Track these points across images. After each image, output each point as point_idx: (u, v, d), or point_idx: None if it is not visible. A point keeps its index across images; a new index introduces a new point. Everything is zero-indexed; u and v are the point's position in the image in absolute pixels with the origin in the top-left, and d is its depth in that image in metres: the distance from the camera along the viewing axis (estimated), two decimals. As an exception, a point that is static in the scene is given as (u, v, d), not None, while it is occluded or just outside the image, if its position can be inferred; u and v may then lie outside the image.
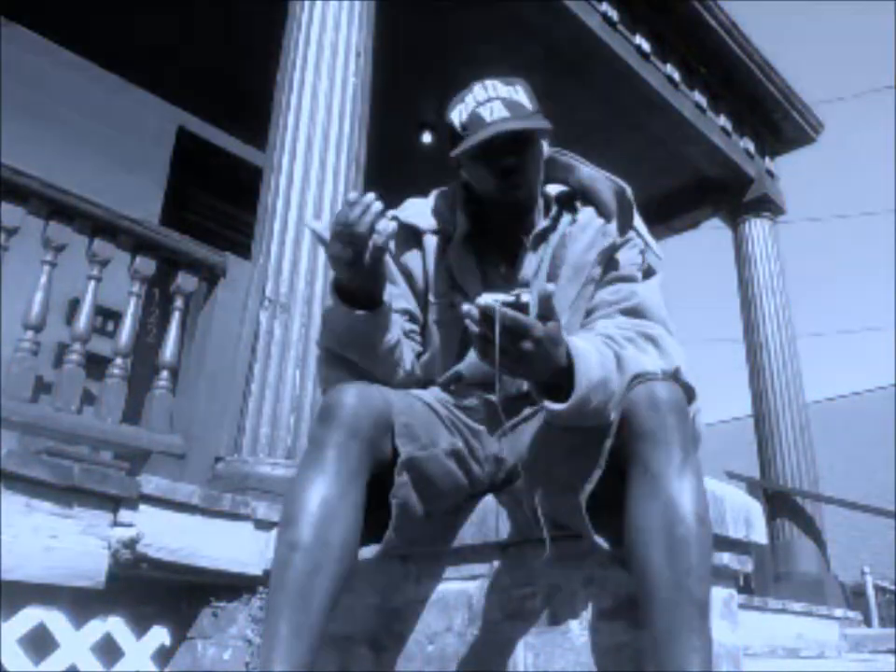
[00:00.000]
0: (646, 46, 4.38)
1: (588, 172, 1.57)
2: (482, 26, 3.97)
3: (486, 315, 1.10)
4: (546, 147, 1.54)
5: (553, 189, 1.58)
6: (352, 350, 1.40)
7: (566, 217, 1.55)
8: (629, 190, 1.54)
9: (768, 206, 5.25)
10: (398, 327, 1.46)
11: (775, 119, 5.28)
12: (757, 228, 5.19)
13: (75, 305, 2.69)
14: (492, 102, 1.41)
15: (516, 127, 1.39)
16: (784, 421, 4.73)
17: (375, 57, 3.00)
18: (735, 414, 18.50)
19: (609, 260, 1.52)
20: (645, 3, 4.42)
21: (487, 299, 1.10)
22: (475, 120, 1.41)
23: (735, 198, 5.23)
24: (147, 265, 2.48)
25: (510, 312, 1.10)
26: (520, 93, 1.45)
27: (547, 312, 1.14)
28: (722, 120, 4.96)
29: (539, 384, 1.23)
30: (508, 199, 1.48)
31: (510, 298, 1.11)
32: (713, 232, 6.15)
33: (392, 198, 1.66)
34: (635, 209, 1.55)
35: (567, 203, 1.57)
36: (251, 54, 3.67)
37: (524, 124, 1.40)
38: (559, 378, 1.19)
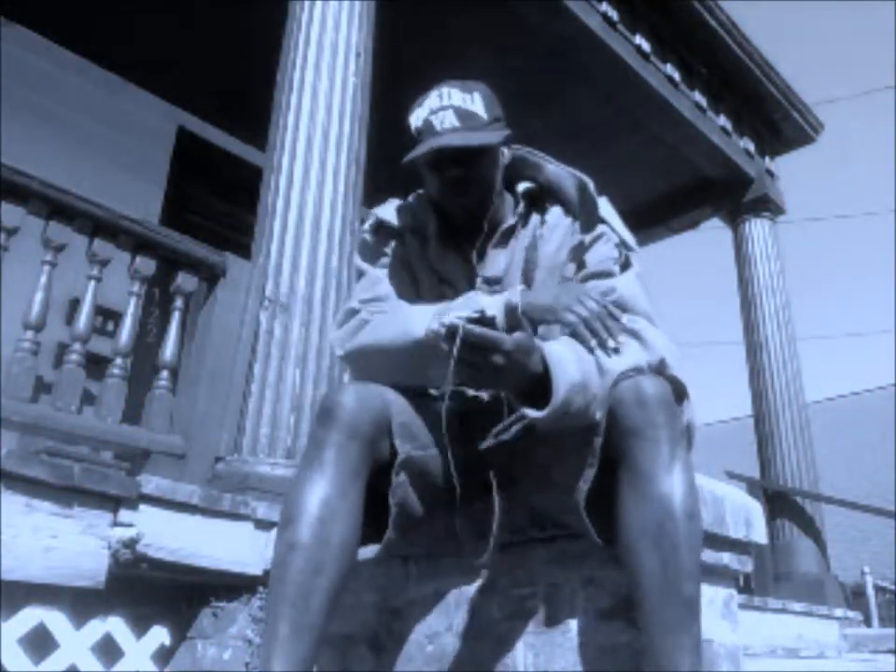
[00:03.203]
0: (646, 46, 4.38)
1: (552, 169, 1.57)
2: (482, 26, 3.97)
3: (452, 333, 1.11)
4: (506, 153, 1.53)
5: (521, 187, 1.57)
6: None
7: (535, 217, 1.55)
8: (591, 184, 1.54)
9: (768, 206, 5.25)
10: None
11: (775, 119, 5.28)
12: (757, 228, 5.20)
13: (75, 305, 2.69)
14: (444, 111, 1.41)
15: (458, 144, 1.39)
16: (784, 421, 4.73)
17: (375, 57, 3.00)
18: (735, 414, 18.51)
19: (581, 258, 1.52)
20: (645, 3, 4.42)
21: (452, 317, 1.12)
22: (427, 128, 1.42)
23: (735, 198, 5.23)
24: (147, 265, 2.47)
25: (476, 329, 1.11)
26: (476, 102, 1.43)
27: (514, 323, 1.15)
28: (722, 120, 4.96)
29: (517, 392, 1.23)
30: (454, 206, 1.49)
31: (474, 314, 1.12)
32: (713, 232, 6.16)
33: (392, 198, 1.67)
34: (599, 202, 1.54)
35: (536, 202, 1.57)
36: (251, 54, 3.67)
37: (468, 140, 1.39)
38: (536, 385, 1.20)
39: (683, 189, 5.41)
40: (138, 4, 3.84)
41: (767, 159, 5.41)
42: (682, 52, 4.68)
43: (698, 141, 4.83)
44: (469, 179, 1.45)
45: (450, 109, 1.41)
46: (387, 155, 3.45)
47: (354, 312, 1.48)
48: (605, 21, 4.11)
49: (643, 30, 4.39)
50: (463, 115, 1.41)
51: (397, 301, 1.49)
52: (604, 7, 4.11)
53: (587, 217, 1.53)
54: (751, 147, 5.23)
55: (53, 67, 4.08)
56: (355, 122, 2.79)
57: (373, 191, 2.66)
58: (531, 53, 4.12)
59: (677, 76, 4.60)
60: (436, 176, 1.45)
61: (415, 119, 1.45)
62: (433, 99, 1.44)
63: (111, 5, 3.84)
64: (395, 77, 3.39)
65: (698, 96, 4.76)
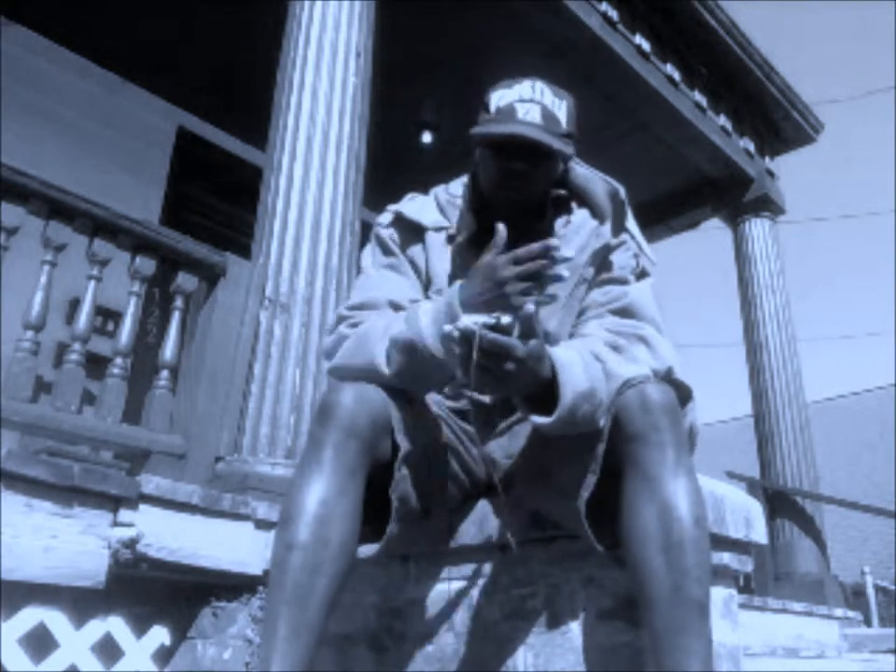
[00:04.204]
0: (646, 46, 4.38)
1: (583, 172, 1.57)
2: (481, 26, 3.97)
3: (466, 338, 1.11)
4: (560, 168, 1.51)
5: (552, 193, 1.55)
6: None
7: (560, 219, 1.54)
8: (623, 191, 1.54)
9: (768, 206, 5.26)
10: None
11: (775, 119, 5.28)
12: (757, 227, 5.20)
13: (75, 305, 2.69)
14: (533, 104, 1.40)
15: (539, 139, 1.36)
16: (784, 421, 4.74)
17: (375, 57, 3.00)
18: (735, 414, 18.51)
19: (602, 262, 1.52)
20: (645, 3, 4.42)
21: (467, 321, 1.12)
22: (508, 112, 1.40)
23: (735, 198, 5.23)
24: (147, 265, 2.47)
25: (489, 334, 1.11)
26: (562, 109, 1.43)
27: (529, 331, 1.15)
28: (722, 120, 4.96)
29: (525, 397, 1.23)
30: (502, 198, 1.47)
31: (490, 319, 1.12)
32: (713, 232, 6.16)
33: (392, 198, 1.67)
34: (628, 210, 1.55)
35: (561, 202, 1.56)
36: (251, 54, 3.67)
37: (548, 140, 1.37)
38: (544, 390, 1.20)
39: (683, 189, 5.42)
40: (138, 4, 3.84)
41: (767, 159, 5.41)
42: (682, 52, 4.68)
43: (698, 141, 4.83)
44: (529, 176, 1.43)
45: (539, 105, 1.40)
46: (388, 155, 3.47)
47: (341, 319, 1.45)
48: (605, 21, 4.11)
49: (643, 30, 4.39)
50: (548, 116, 1.40)
51: (375, 316, 1.42)
52: (604, 6, 4.11)
53: (616, 225, 1.53)
54: (751, 147, 5.23)
55: (53, 67, 4.08)
56: (355, 122, 2.79)
57: (372, 191, 2.68)
58: (531, 53, 4.12)
59: (677, 75, 4.60)
60: (497, 162, 1.43)
61: (499, 97, 1.43)
62: (525, 88, 1.43)
63: (111, 5, 3.84)
64: (395, 77, 3.40)
65: (698, 96, 4.76)
